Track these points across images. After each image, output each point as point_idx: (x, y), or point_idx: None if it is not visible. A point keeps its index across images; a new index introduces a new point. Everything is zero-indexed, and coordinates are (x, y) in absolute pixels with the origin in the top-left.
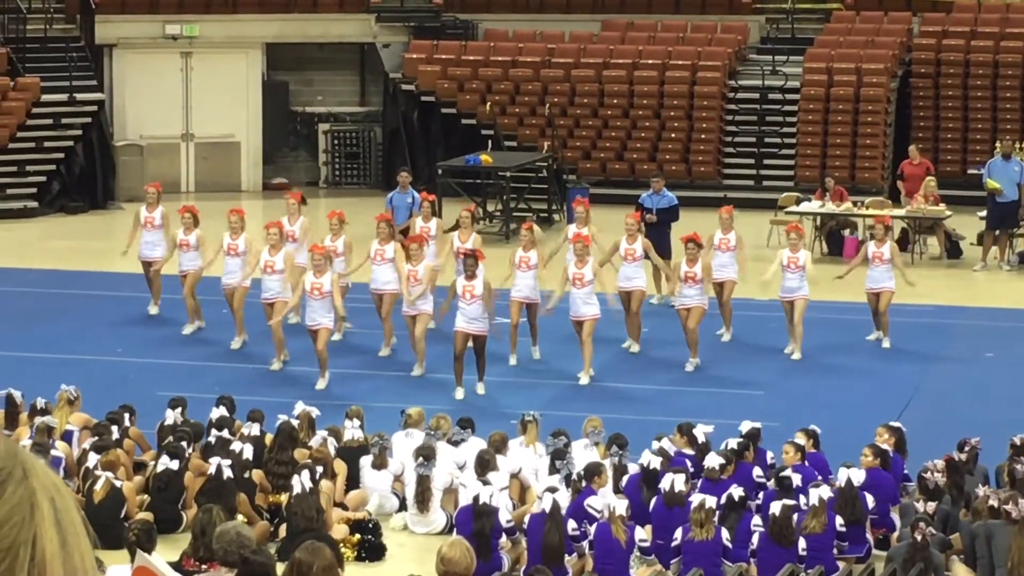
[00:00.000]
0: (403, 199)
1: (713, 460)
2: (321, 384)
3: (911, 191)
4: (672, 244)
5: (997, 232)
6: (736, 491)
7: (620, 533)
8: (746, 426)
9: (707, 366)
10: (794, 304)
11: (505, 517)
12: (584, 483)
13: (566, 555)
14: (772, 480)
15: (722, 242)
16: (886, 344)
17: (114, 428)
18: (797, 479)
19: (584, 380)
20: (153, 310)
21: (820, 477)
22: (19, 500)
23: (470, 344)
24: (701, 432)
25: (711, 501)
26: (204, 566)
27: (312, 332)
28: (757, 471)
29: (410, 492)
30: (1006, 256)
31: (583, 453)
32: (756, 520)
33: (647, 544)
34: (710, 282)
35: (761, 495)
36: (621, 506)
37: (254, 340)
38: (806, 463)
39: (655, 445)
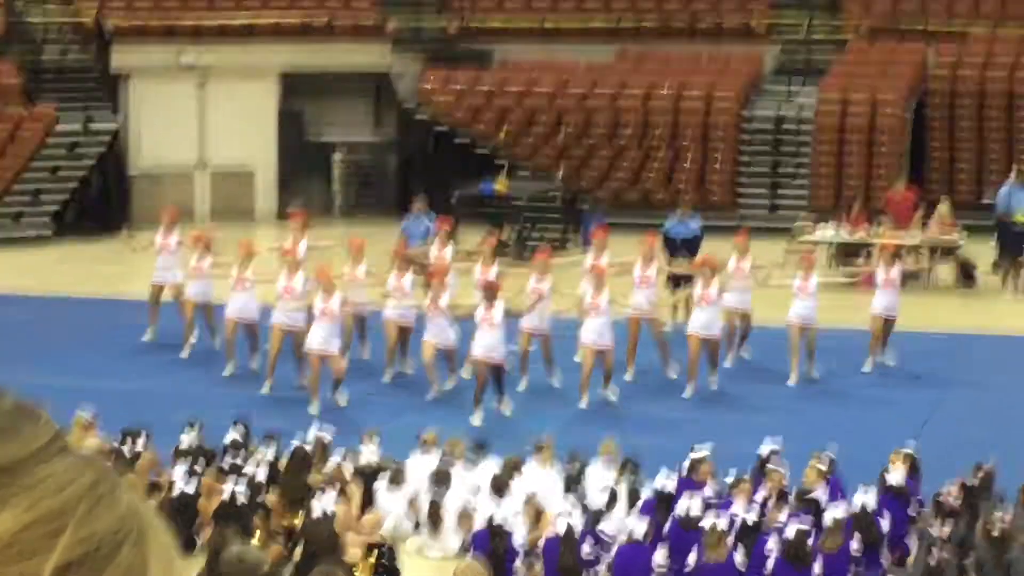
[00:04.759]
0: (417, 226)
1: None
2: (341, 400)
3: (903, 224)
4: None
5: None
6: (750, 515)
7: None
8: (765, 448)
9: (721, 390)
10: (805, 331)
11: (520, 540)
12: (605, 511)
13: None
14: (795, 499)
15: (737, 270)
16: (891, 363)
17: (127, 443)
18: (822, 498)
19: (612, 397)
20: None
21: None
22: (129, 565)
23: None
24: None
25: (722, 523)
26: None
27: (322, 358)
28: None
29: (424, 516)
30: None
31: (598, 476)
32: (771, 543)
33: (664, 569)
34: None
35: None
36: (639, 529)
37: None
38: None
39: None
